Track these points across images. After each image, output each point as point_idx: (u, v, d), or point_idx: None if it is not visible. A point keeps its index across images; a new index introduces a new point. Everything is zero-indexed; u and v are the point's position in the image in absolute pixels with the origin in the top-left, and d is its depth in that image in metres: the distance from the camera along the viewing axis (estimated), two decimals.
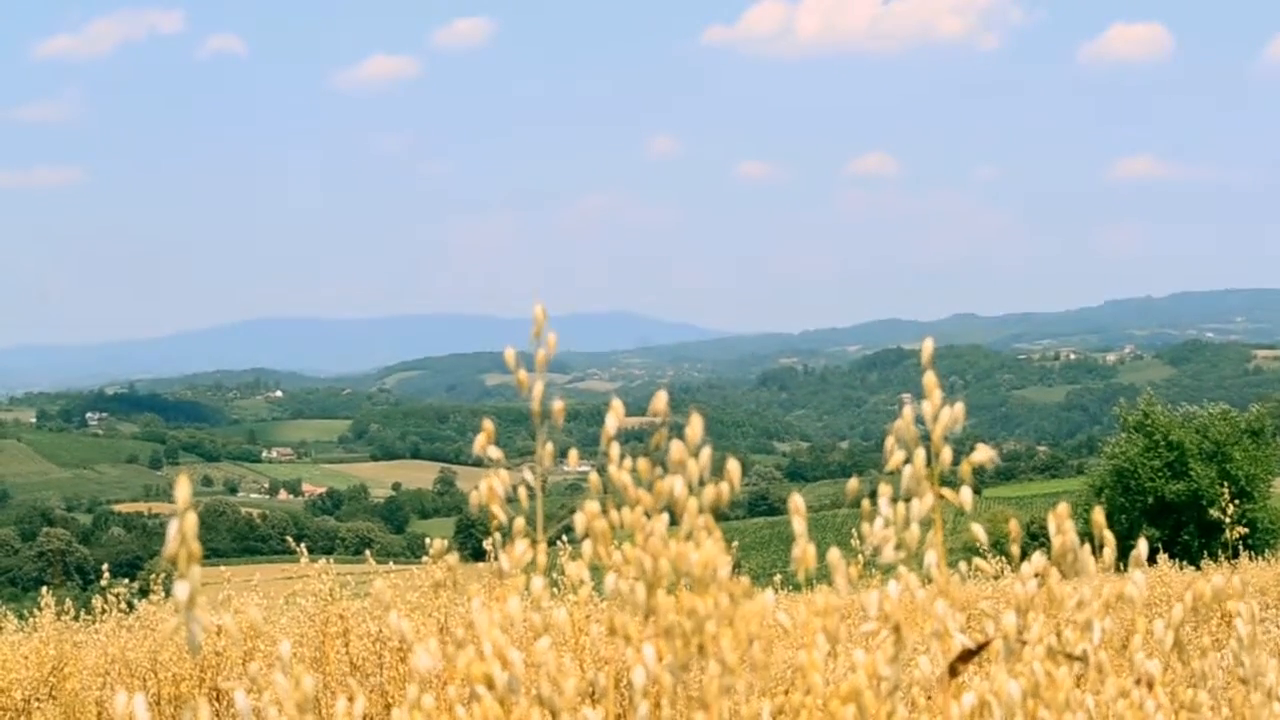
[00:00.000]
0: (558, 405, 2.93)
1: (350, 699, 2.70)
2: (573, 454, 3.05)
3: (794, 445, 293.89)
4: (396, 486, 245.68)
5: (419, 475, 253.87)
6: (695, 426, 2.83)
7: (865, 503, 2.87)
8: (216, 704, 10.15)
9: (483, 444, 2.91)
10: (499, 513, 2.86)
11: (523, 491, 2.91)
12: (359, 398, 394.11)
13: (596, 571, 2.94)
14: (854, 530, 2.89)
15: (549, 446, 2.91)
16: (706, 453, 2.83)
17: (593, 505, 2.89)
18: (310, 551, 11.07)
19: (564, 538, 2.66)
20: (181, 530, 2.29)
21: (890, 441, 2.91)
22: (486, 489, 2.86)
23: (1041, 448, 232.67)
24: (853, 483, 3.06)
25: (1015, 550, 3.08)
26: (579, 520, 2.88)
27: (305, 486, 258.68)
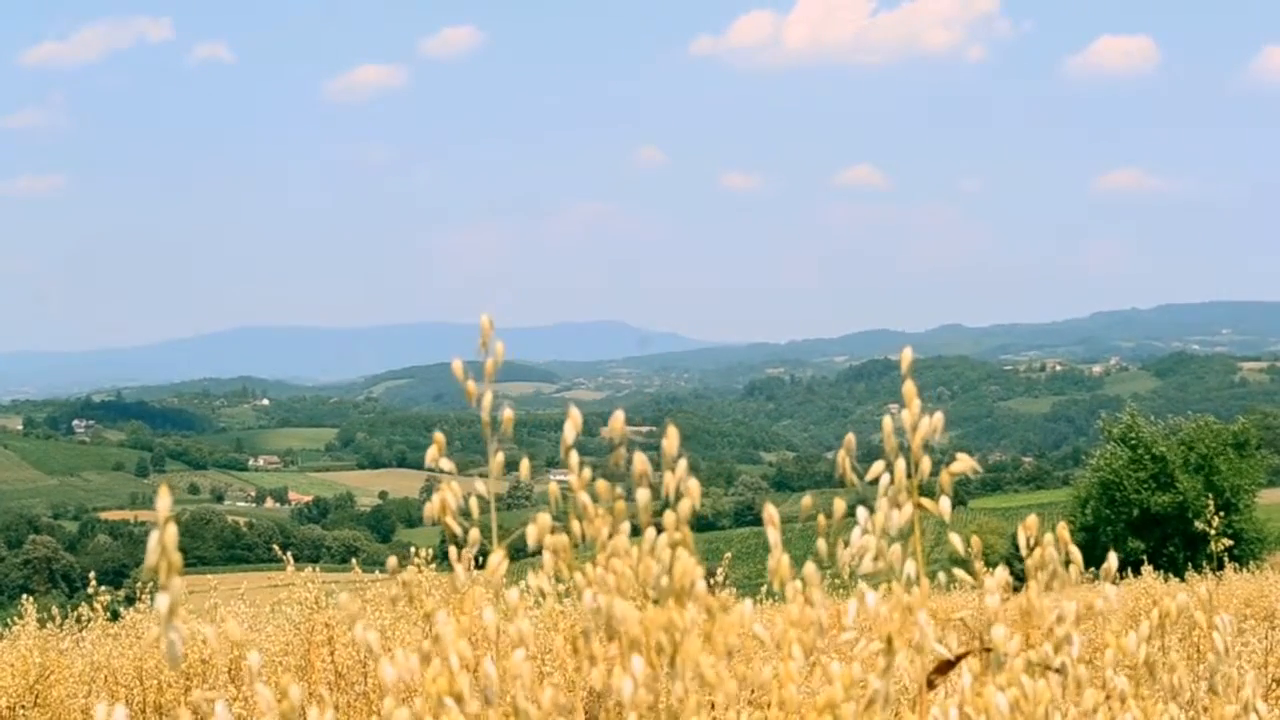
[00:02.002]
0: (507, 415, 2.93)
1: (320, 708, 2.70)
2: (524, 465, 3.06)
3: (780, 455, 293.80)
4: (383, 495, 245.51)
5: (405, 484, 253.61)
6: (671, 439, 2.83)
7: (821, 518, 2.88)
8: (195, 714, 10.14)
9: (434, 456, 2.92)
10: (453, 525, 2.86)
11: (477, 502, 2.91)
12: (346, 406, 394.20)
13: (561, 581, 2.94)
14: (823, 543, 2.89)
15: (499, 457, 2.91)
16: (683, 464, 2.83)
17: (544, 518, 2.89)
18: (296, 560, 11.07)
19: (540, 550, 2.65)
20: (162, 541, 2.29)
21: (841, 454, 2.92)
22: (439, 501, 2.87)
23: (1027, 459, 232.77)
24: (806, 499, 3.07)
25: (980, 566, 3.08)
26: (531, 533, 2.88)
27: (292, 495, 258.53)
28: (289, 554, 10.82)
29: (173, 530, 2.31)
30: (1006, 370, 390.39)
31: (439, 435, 2.88)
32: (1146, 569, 15.81)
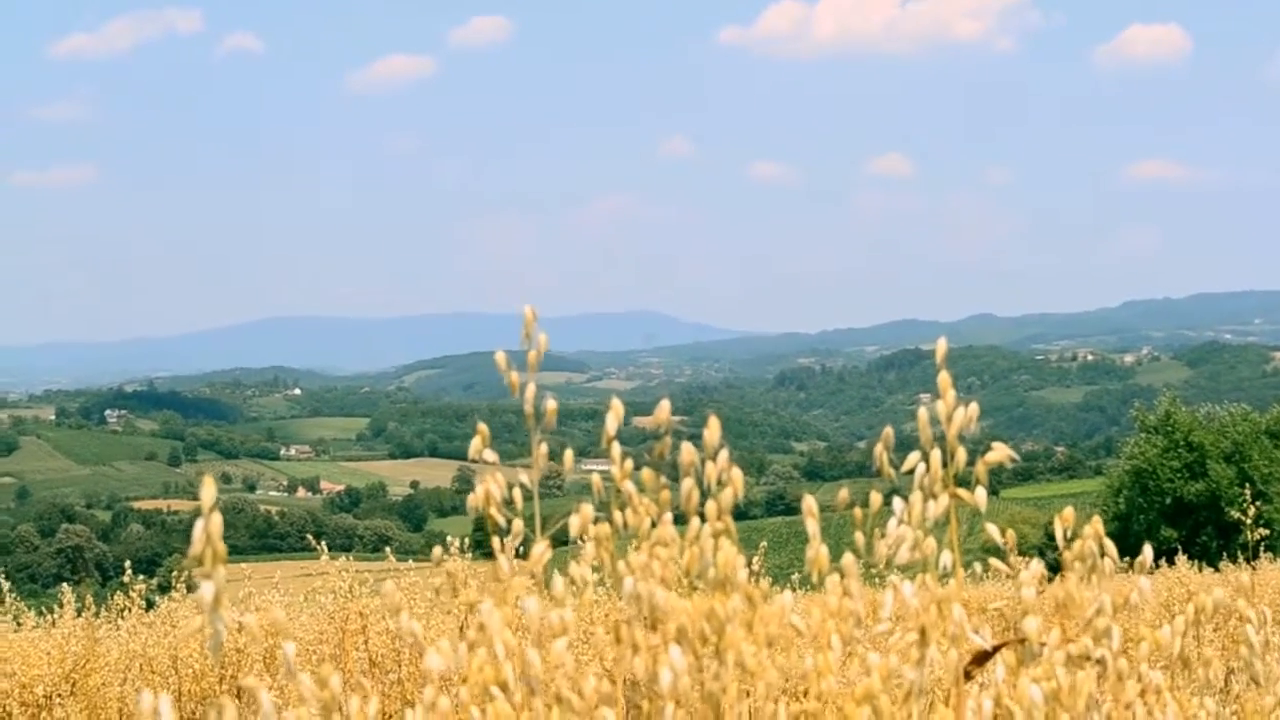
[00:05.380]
0: (550, 406, 2.93)
1: (363, 697, 2.71)
2: (568, 456, 3.06)
3: (811, 445, 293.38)
4: (414, 485, 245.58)
5: (437, 473, 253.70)
6: (713, 429, 2.84)
7: (858, 510, 2.88)
8: (238, 701, 10.18)
9: (477, 447, 2.92)
10: (497, 515, 2.87)
11: (521, 493, 2.92)
12: (377, 396, 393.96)
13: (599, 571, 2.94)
14: (860, 534, 2.89)
15: (544, 448, 2.92)
16: (725, 454, 2.84)
17: (587, 508, 2.90)
18: (329, 549, 11.08)
19: (581, 540, 2.64)
20: (206, 530, 2.31)
21: (878, 446, 2.92)
22: (483, 492, 2.87)
23: (1059, 449, 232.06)
24: (843, 492, 3.07)
25: (1014, 560, 3.08)
26: (574, 523, 2.89)
27: (323, 484, 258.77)
28: (323, 543, 10.84)
29: (217, 519, 2.32)
30: (1038, 360, 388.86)
31: (482, 426, 2.88)
32: (1180, 558, 15.74)
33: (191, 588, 13.75)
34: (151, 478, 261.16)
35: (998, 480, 2.98)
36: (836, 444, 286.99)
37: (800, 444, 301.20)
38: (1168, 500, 60.07)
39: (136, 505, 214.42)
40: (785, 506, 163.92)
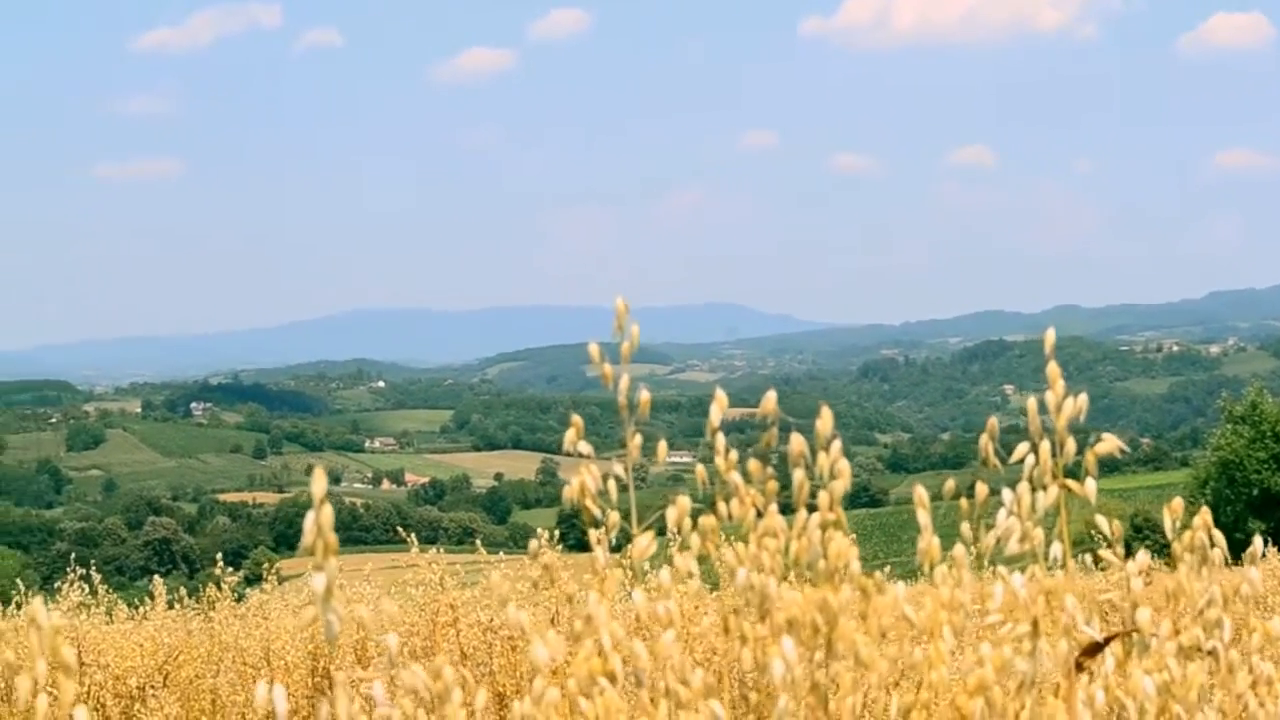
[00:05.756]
0: (644, 397, 2.93)
1: (470, 691, 2.72)
2: (662, 447, 3.05)
3: (895, 436, 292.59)
4: (498, 477, 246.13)
5: (520, 465, 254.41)
6: (825, 420, 2.84)
7: (964, 501, 2.87)
8: (329, 692, 10.24)
9: (573, 439, 2.92)
10: (592, 507, 2.87)
11: (614, 484, 2.91)
12: (461, 388, 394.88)
13: (703, 562, 2.93)
14: (963, 523, 2.87)
15: (638, 439, 2.92)
16: (837, 446, 2.84)
17: (684, 500, 2.90)
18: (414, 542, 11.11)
19: (678, 531, 2.64)
20: (318, 522, 2.32)
21: (984, 437, 2.91)
22: (578, 484, 2.87)
23: (1145, 440, 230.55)
24: (950, 482, 3.06)
25: (1119, 551, 3.05)
26: (670, 515, 2.88)
27: (408, 476, 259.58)
28: (413, 535, 10.86)
29: (328, 511, 2.33)
30: (1122, 351, 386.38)
31: (576, 418, 2.88)
32: (1270, 550, 15.61)
33: (282, 579, 13.86)
34: (237, 470, 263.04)
35: (1085, 472, 2.95)
36: (920, 435, 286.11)
37: (884, 436, 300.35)
38: (1255, 492, 59.60)
39: (222, 497, 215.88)
40: (869, 499, 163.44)
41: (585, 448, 2.92)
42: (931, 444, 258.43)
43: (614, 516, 2.85)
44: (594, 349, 2.90)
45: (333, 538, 2.33)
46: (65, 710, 2.31)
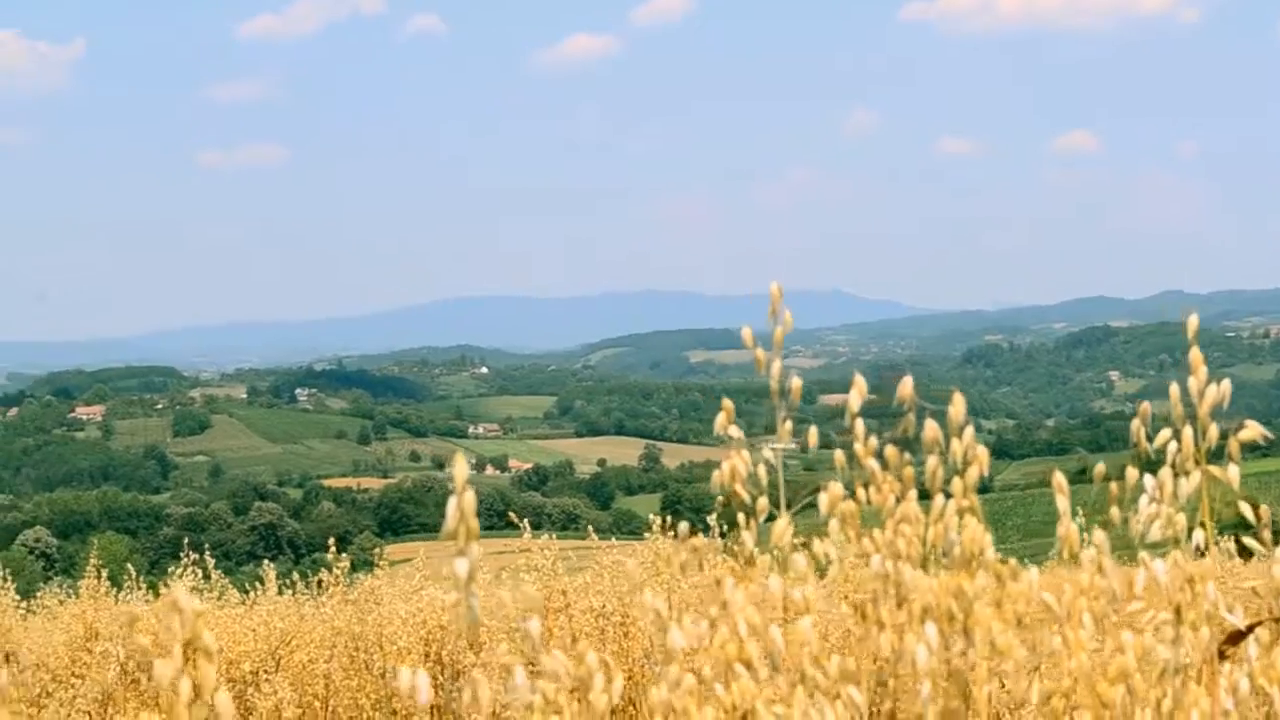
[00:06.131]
0: (795, 383, 2.91)
1: (609, 677, 2.71)
2: (812, 432, 3.03)
3: (1000, 423, 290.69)
4: (601, 463, 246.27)
5: (623, 451, 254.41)
6: (958, 405, 2.81)
7: (1113, 485, 2.84)
8: (440, 676, 10.30)
9: (723, 423, 2.91)
10: (742, 492, 2.86)
11: (750, 469, 2.90)
12: (563, 374, 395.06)
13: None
14: (1096, 509, 2.84)
15: (788, 425, 2.90)
16: (970, 432, 2.81)
17: (836, 486, 2.88)
18: (518, 527, 11.12)
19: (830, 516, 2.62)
20: (460, 507, 2.31)
21: (1135, 422, 2.88)
22: (729, 469, 2.86)
23: None
24: (1100, 466, 3.03)
25: (1266, 535, 3.01)
26: (823, 500, 2.87)
27: (512, 462, 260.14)
28: (525, 521, 10.88)
29: (470, 496, 2.33)
30: (1229, 337, 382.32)
31: (728, 403, 2.87)
32: None
33: (392, 564, 13.90)
34: (341, 455, 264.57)
35: (1228, 458, 2.92)
36: (1025, 422, 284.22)
37: (989, 422, 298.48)
38: None
39: (327, 483, 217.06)
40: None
41: (735, 431, 2.91)
42: (1036, 430, 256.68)
43: (763, 502, 2.84)
44: (747, 334, 2.90)
45: (474, 523, 2.33)
46: (207, 695, 2.31)
